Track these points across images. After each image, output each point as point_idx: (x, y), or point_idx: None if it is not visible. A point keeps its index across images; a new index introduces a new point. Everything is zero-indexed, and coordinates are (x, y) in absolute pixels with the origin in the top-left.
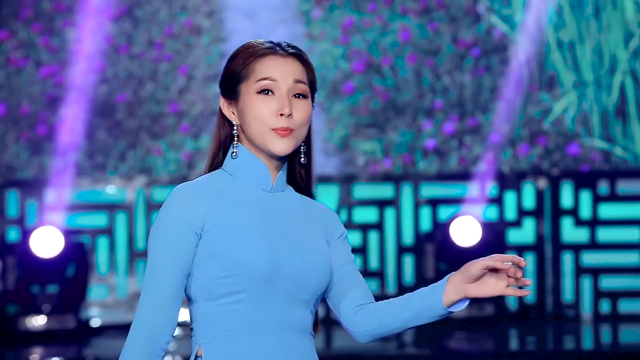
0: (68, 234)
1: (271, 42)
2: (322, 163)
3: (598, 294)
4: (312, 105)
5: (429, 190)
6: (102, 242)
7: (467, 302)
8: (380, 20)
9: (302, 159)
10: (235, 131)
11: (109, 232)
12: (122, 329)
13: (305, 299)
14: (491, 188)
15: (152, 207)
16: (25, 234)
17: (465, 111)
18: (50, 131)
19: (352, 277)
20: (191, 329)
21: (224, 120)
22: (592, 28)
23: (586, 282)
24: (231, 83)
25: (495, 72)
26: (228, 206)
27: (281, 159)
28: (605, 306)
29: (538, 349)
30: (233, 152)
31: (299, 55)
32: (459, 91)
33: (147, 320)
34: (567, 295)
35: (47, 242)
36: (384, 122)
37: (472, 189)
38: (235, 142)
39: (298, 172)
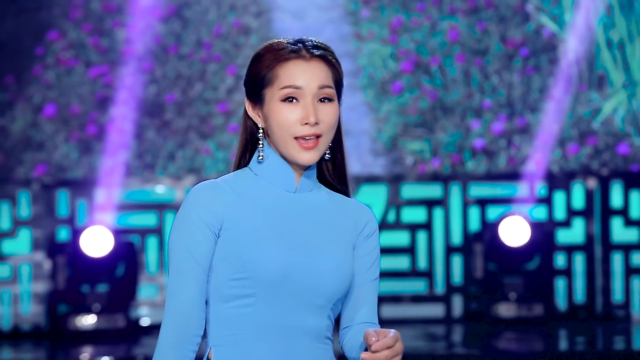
0: (118, 233)
1: (296, 42)
2: (370, 163)
3: None
4: (340, 104)
5: (478, 190)
6: (152, 242)
7: None
8: (429, 20)
9: (327, 155)
10: (261, 134)
11: (158, 231)
12: None
13: (319, 304)
14: (540, 188)
15: None
16: (76, 233)
17: (514, 111)
18: (99, 131)
19: (359, 292)
20: (205, 331)
21: (250, 121)
22: None
23: (636, 282)
24: (255, 86)
25: (544, 71)
26: (247, 207)
27: None
28: None
29: (588, 349)
30: (259, 156)
31: (324, 57)
32: (507, 91)
33: (176, 322)
34: (617, 295)
35: (97, 242)
36: (432, 121)
37: (521, 188)
38: (261, 146)
39: (325, 168)
